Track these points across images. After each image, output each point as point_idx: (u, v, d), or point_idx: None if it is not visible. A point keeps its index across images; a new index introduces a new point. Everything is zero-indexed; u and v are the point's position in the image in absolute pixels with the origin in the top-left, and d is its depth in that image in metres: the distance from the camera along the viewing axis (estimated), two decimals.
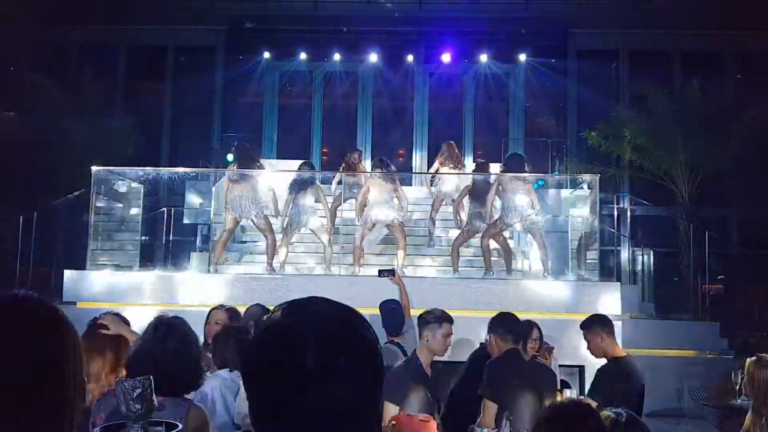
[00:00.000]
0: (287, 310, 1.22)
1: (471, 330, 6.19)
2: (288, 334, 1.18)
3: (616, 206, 14.03)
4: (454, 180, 11.38)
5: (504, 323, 4.85)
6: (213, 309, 5.19)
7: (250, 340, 1.25)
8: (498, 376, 4.58)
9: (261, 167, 10.24)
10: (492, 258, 9.97)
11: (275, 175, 11.20)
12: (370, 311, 5.77)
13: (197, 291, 8.81)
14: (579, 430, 2.45)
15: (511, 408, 4.20)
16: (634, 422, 2.67)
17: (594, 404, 3.92)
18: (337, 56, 17.12)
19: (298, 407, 1.13)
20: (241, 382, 2.34)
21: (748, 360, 4.19)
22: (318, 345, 1.15)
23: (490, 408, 4.38)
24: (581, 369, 6.11)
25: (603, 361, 4.78)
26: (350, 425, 1.16)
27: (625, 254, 14.13)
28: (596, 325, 4.76)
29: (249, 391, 1.20)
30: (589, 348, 4.78)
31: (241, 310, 5.39)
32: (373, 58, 17.00)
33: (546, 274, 9.60)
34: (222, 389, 3.70)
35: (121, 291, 8.89)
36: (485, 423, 4.33)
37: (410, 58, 17.23)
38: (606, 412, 2.65)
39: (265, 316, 1.29)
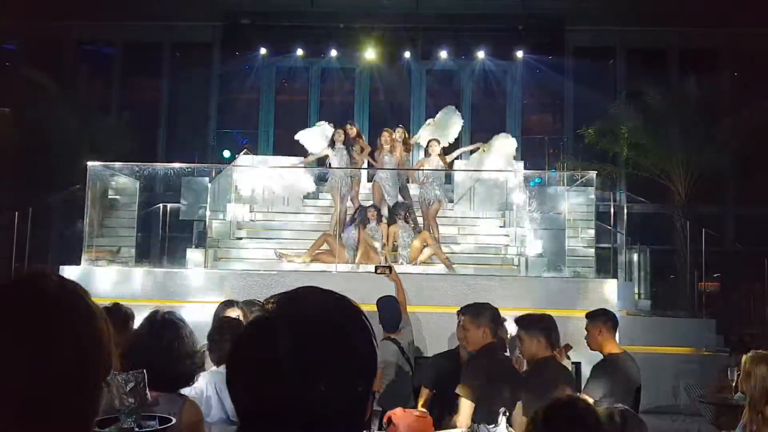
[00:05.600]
0: (272, 302, 1.18)
1: None
2: (265, 327, 1.15)
3: (612, 203, 14.01)
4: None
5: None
6: (226, 306, 4.73)
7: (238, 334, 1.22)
8: (471, 374, 4.45)
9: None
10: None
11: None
12: (367, 308, 5.74)
13: (193, 287, 8.79)
14: (575, 426, 2.44)
15: (486, 406, 4.04)
16: (630, 417, 2.67)
17: (590, 400, 3.92)
18: (333, 53, 17.09)
19: (274, 403, 1.09)
20: None
21: (745, 356, 4.19)
22: (294, 339, 1.10)
23: (464, 405, 4.22)
24: (577, 365, 6.10)
25: (600, 357, 4.80)
26: (327, 426, 1.10)
27: (621, 251, 14.13)
28: (599, 319, 4.81)
29: (230, 385, 1.15)
30: (586, 338, 4.81)
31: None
32: (370, 54, 16.96)
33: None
34: (218, 385, 3.68)
35: (116, 287, 8.85)
36: (460, 421, 4.17)
37: (407, 54, 17.20)
38: (602, 408, 2.65)
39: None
